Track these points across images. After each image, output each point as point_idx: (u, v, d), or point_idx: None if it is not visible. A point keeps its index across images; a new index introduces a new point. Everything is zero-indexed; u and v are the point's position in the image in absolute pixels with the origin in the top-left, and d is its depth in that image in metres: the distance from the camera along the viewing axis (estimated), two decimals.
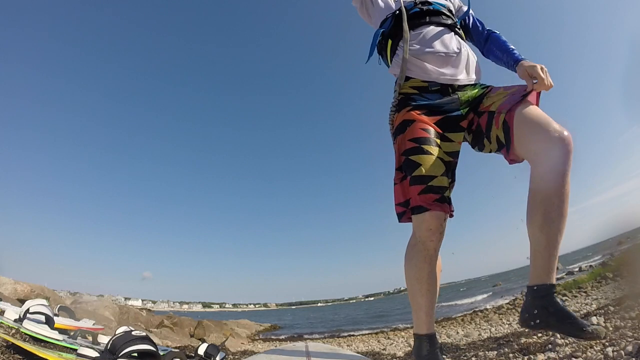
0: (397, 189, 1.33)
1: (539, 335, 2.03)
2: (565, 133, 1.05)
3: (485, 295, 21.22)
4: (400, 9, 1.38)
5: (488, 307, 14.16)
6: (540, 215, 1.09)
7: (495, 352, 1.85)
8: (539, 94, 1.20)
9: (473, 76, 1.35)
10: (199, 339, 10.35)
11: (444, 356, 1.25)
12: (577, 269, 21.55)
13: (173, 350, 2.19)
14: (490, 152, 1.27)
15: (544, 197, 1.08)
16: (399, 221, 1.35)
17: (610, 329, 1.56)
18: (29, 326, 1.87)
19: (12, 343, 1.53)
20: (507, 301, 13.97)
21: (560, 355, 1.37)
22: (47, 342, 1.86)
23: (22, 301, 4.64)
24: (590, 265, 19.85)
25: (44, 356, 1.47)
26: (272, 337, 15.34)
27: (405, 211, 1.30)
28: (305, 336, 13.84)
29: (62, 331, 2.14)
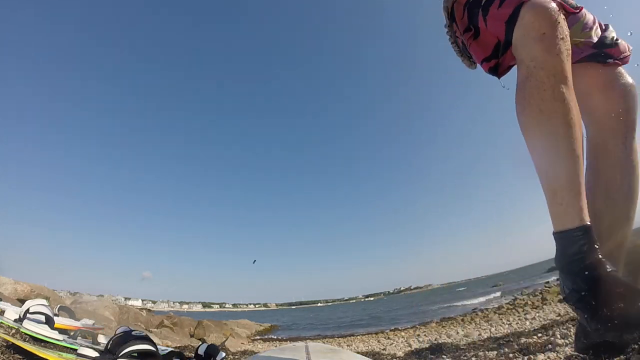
0: (474, 47, 1.05)
1: (539, 335, 2.03)
2: (630, 80, 0.82)
3: (491, 296, 21.23)
4: None
5: (488, 307, 14.20)
6: (599, 195, 0.84)
7: (495, 352, 1.85)
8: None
9: None
10: (199, 339, 10.37)
11: (443, 356, 1.20)
12: None
13: (173, 350, 2.19)
14: None
15: (603, 169, 0.84)
16: (499, 76, 1.04)
17: None
18: (29, 326, 1.87)
19: (12, 343, 1.53)
20: (507, 301, 14.01)
21: (560, 356, 1.37)
22: (47, 342, 1.86)
23: (22, 301, 4.63)
24: None
25: (44, 356, 1.47)
26: (272, 337, 15.37)
27: (497, 63, 0.99)
28: (305, 336, 13.86)
29: (62, 331, 2.14)
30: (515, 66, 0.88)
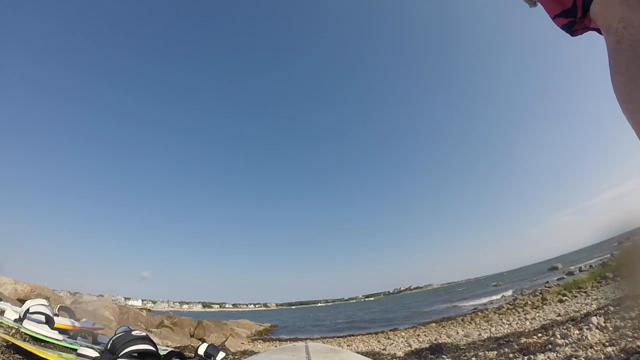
0: None
1: (539, 335, 2.03)
2: None
3: (491, 296, 21.20)
4: None
5: (488, 307, 14.21)
6: None
7: (495, 352, 1.85)
8: None
9: None
10: (199, 339, 10.37)
11: (443, 356, 1.20)
12: (577, 269, 21.60)
13: (173, 350, 2.19)
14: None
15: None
16: (574, 35, 0.96)
17: (610, 329, 1.56)
18: (29, 326, 1.87)
19: (12, 343, 1.53)
20: (507, 301, 14.01)
21: (560, 356, 1.38)
22: (47, 342, 1.86)
23: (22, 301, 4.64)
24: (590, 266, 19.92)
25: (44, 356, 1.47)
26: (272, 337, 15.38)
27: (573, 21, 0.91)
28: (305, 336, 13.87)
29: (62, 331, 2.15)
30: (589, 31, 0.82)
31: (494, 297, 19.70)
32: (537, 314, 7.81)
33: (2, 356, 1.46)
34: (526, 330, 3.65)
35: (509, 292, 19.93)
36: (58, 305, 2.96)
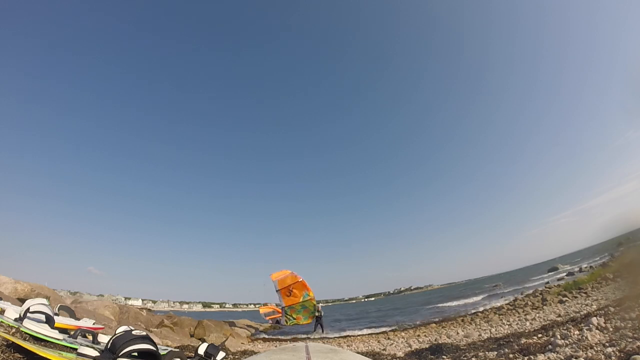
0: None
1: (539, 335, 2.03)
2: None
3: (491, 297, 21.16)
4: None
5: (488, 307, 14.20)
6: None
7: (495, 353, 1.85)
8: None
9: None
10: (199, 339, 10.37)
11: (443, 357, 1.19)
12: (577, 270, 21.59)
13: (173, 350, 2.19)
14: None
15: None
16: None
17: (611, 329, 1.56)
18: (29, 325, 1.87)
19: (13, 342, 1.54)
20: (507, 302, 14.00)
21: (561, 356, 1.38)
22: (48, 341, 1.86)
23: (22, 300, 4.64)
24: (591, 266, 19.92)
25: (44, 355, 1.47)
26: (272, 337, 15.37)
27: None
28: (305, 336, 13.86)
29: (62, 330, 2.15)
30: None
31: (494, 298, 19.69)
32: (537, 315, 7.81)
33: (2, 355, 1.46)
34: (526, 331, 3.65)
35: (509, 293, 19.94)
36: (58, 305, 2.96)
